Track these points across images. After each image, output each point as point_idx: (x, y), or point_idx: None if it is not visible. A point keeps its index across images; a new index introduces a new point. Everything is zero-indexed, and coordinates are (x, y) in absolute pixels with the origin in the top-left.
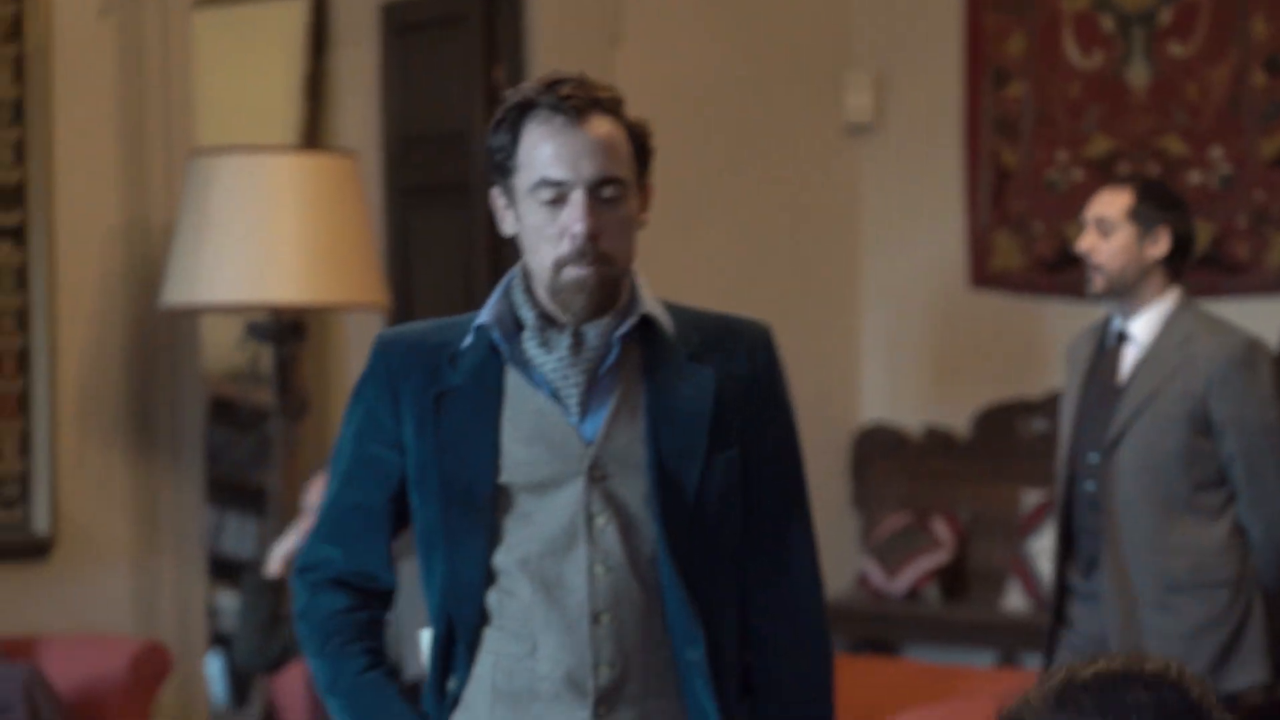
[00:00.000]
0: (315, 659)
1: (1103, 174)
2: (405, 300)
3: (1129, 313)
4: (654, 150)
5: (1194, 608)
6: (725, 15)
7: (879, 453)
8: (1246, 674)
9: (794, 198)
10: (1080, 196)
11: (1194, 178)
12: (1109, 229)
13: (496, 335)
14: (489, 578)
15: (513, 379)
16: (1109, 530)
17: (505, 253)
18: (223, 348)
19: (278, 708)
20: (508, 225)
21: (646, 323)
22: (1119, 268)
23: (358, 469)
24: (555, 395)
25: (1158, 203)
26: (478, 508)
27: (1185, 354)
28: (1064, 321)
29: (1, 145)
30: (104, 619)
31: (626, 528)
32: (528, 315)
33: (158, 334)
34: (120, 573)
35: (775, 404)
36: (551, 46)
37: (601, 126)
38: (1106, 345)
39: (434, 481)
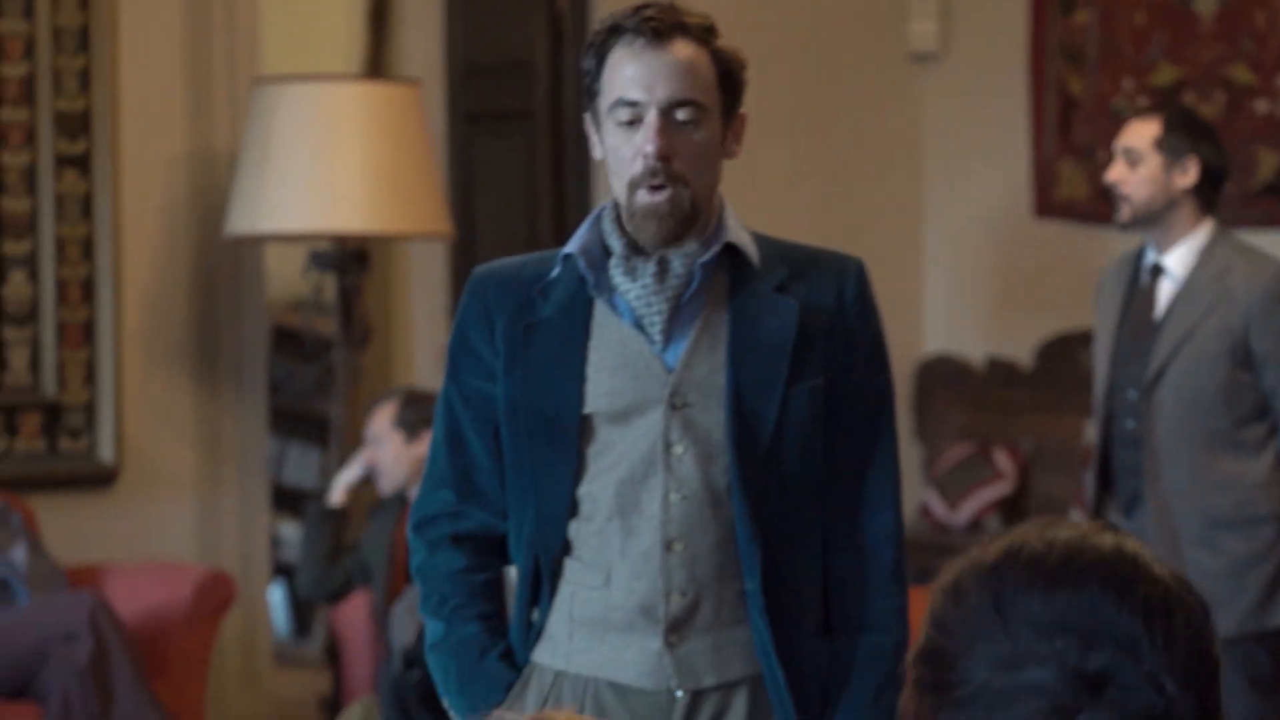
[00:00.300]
0: (430, 618)
1: (1169, 103)
2: (468, 229)
3: (1163, 245)
4: (745, 81)
5: (1238, 544)
6: None
7: (941, 383)
8: None
9: (858, 126)
10: None
11: (1260, 107)
12: (1136, 159)
13: (582, 264)
14: (572, 509)
15: (599, 308)
16: (1150, 467)
17: (568, 181)
18: (286, 277)
19: (340, 638)
20: (596, 150)
21: (733, 251)
22: (1146, 198)
23: (461, 406)
24: (639, 323)
25: (1186, 133)
26: (564, 439)
27: (1222, 287)
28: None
29: (66, 73)
30: (168, 548)
31: (704, 457)
32: (615, 243)
33: (221, 263)
34: (184, 502)
35: (863, 338)
36: None
37: (683, 50)
38: (1141, 280)
39: (523, 414)
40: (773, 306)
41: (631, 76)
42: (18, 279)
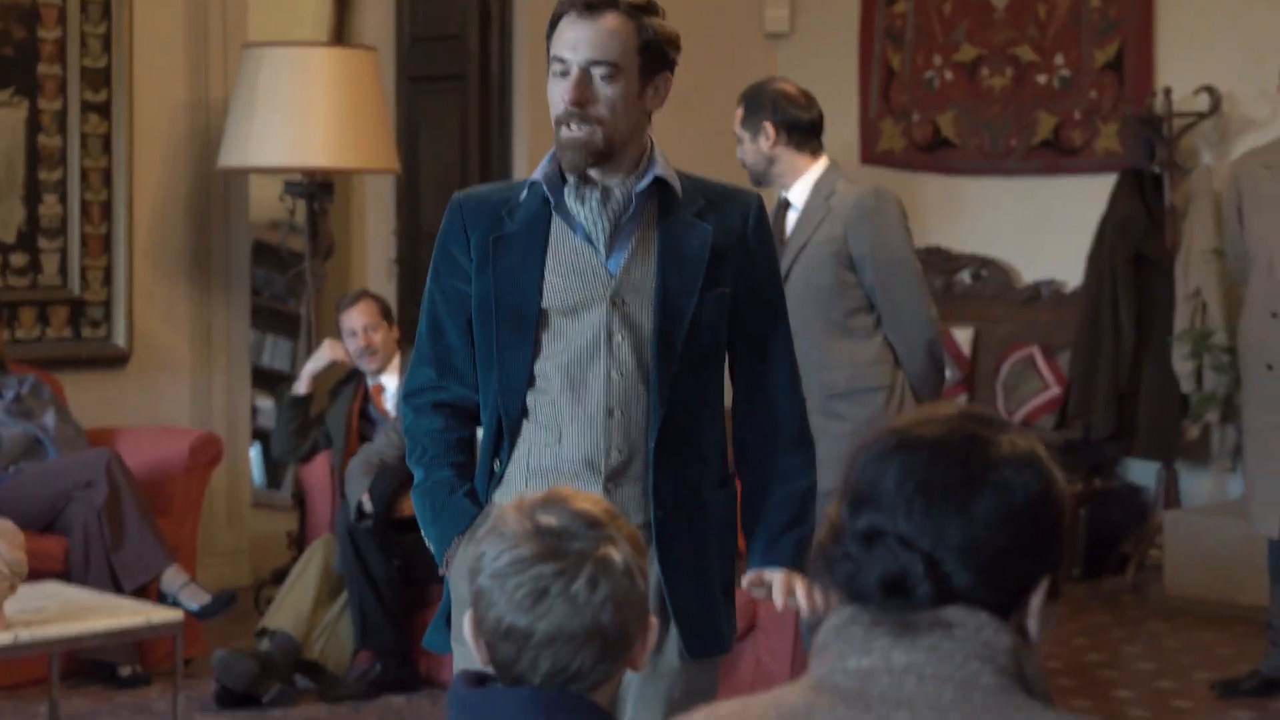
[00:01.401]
0: (414, 466)
1: (969, 75)
2: (412, 167)
3: (787, 187)
4: (668, 53)
5: (855, 410)
6: None
7: None
8: None
9: (725, 92)
10: (950, 94)
11: (1041, 79)
12: (740, 139)
13: (545, 189)
14: (530, 381)
15: (556, 225)
16: None
17: (492, 131)
18: (266, 202)
19: (305, 488)
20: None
21: (661, 184)
22: (751, 163)
23: (441, 302)
24: (588, 238)
25: (755, 109)
26: (525, 326)
27: (827, 206)
28: (934, 190)
29: (92, 37)
30: (169, 415)
31: (637, 344)
32: (569, 175)
33: (214, 190)
34: (182, 379)
35: (760, 256)
36: None
37: (610, 21)
38: (778, 214)
39: (491, 306)
40: (693, 229)
41: (565, 40)
42: (50, 200)
